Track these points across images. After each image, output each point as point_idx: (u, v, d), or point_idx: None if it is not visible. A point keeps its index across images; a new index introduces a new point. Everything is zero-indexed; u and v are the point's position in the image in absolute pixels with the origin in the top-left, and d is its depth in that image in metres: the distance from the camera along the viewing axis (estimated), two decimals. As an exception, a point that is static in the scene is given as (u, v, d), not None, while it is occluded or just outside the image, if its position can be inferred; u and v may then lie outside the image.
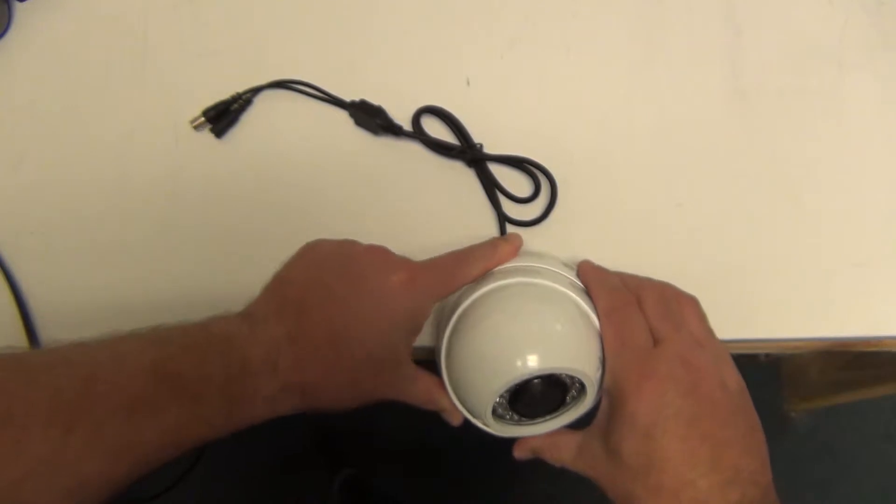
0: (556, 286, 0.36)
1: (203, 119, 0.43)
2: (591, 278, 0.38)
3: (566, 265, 0.39)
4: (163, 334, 0.32)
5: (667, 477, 0.31)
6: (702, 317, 0.37)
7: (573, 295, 0.36)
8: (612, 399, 0.34)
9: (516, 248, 0.39)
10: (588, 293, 0.37)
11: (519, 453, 0.38)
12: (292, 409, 0.34)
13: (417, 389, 0.37)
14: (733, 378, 0.34)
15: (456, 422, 0.38)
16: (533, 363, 0.33)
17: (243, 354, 0.32)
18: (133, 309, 0.42)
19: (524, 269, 0.38)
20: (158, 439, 0.29)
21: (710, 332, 0.36)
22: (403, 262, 0.37)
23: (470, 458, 1.15)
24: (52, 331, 0.41)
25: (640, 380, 0.32)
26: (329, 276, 0.35)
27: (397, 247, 0.42)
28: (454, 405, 0.37)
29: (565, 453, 0.36)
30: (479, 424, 0.36)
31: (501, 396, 0.34)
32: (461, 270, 0.37)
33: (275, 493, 1.18)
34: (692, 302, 0.37)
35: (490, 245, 0.39)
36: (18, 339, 0.41)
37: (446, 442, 1.14)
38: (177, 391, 0.30)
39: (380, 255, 0.37)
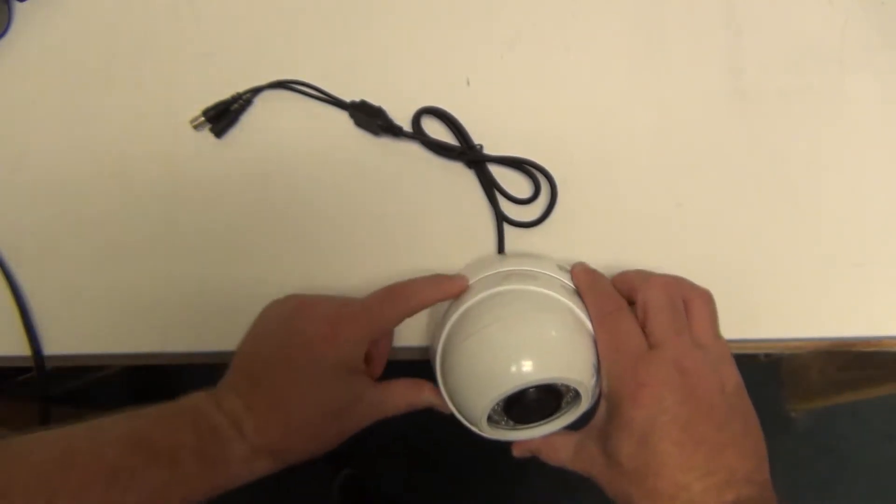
0: (551, 293, 0.36)
1: (203, 119, 0.43)
2: (582, 282, 0.38)
3: (561, 268, 0.39)
4: (135, 410, 0.33)
5: (662, 481, 0.31)
6: (710, 314, 0.36)
7: (567, 301, 0.36)
8: (610, 404, 0.34)
9: (458, 290, 0.38)
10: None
11: (518, 452, 0.38)
12: (272, 470, 0.35)
13: (391, 404, 0.37)
14: (731, 378, 0.34)
15: (448, 412, 0.38)
16: (528, 374, 0.33)
17: (212, 422, 0.33)
18: (133, 308, 0.42)
19: (519, 274, 0.38)
20: None
21: (715, 331, 0.36)
22: (327, 315, 0.36)
23: (470, 457, 1.15)
24: (53, 331, 0.41)
25: (637, 387, 0.33)
26: (267, 346, 0.36)
27: (396, 248, 0.42)
28: (443, 401, 0.37)
29: (563, 454, 0.37)
30: (475, 429, 0.36)
31: (496, 404, 0.34)
32: (389, 309, 0.37)
33: (274, 493, 1.18)
34: (703, 298, 0.36)
35: (431, 279, 0.38)
36: (19, 338, 0.41)
37: (446, 442, 1.14)
38: (153, 457, 0.31)
39: (307, 312, 0.37)
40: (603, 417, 0.35)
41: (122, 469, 0.30)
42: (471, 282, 0.38)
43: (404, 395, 0.38)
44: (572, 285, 0.38)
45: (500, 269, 0.38)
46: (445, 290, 0.38)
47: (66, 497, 0.28)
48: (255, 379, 0.35)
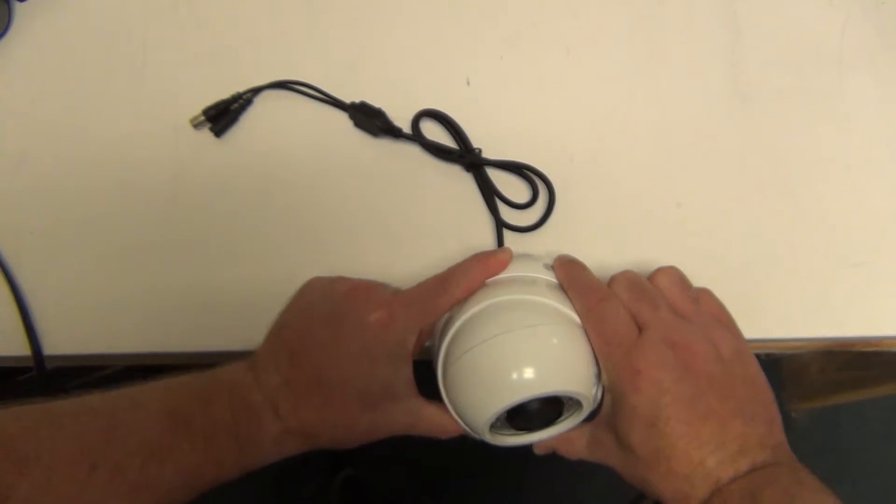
0: (546, 300, 0.36)
1: (203, 118, 0.43)
2: (564, 279, 0.37)
3: (547, 266, 0.39)
4: (175, 383, 0.35)
5: (676, 462, 0.31)
6: (678, 281, 0.36)
7: (561, 307, 0.36)
8: (613, 395, 0.34)
9: (503, 264, 0.38)
10: None
11: (538, 450, 0.38)
12: (298, 450, 0.36)
13: (424, 421, 0.38)
14: (726, 343, 0.34)
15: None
16: (528, 388, 0.33)
17: (248, 399, 0.34)
18: (133, 308, 0.42)
19: (517, 281, 0.37)
20: (174, 479, 0.32)
21: (692, 298, 0.36)
22: (382, 300, 0.37)
23: (471, 458, 1.15)
24: (53, 331, 0.41)
25: (633, 375, 0.32)
26: (315, 323, 0.36)
27: (394, 248, 0.42)
28: (463, 429, 0.37)
29: (578, 446, 0.37)
30: (478, 437, 0.37)
31: (499, 415, 0.35)
32: (441, 297, 0.37)
33: (275, 493, 1.18)
34: (666, 272, 0.37)
35: (475, 261, 0.38)
36: (19, 338, 0.41)
37: (448, 442, 1.14)
38: (189, 434, 0.32)
39: (361, 295, 0.37)
40: (609, 408, 0.35)
41: (160, 446, 0.31)
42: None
43: (437, 418, 0.37)
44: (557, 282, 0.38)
45: (497, 276, 0.38)
46: (492, 268, 0.38)
47: (106, 468, 0.30)
48: (297, 356, 0.35)
